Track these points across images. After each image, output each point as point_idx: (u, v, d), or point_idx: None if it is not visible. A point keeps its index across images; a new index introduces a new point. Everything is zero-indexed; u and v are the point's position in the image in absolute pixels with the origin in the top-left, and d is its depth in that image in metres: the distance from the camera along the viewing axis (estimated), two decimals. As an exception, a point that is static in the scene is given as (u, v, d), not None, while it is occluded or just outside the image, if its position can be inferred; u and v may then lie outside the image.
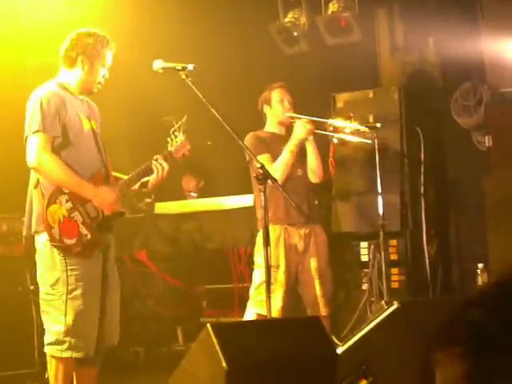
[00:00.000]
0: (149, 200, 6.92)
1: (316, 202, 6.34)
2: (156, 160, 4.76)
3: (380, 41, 7.63)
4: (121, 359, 7.13)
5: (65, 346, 4.48)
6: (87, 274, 4.53)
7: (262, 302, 5.53)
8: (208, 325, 3.32)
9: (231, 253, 7.35)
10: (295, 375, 3.46)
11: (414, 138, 7.06)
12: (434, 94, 7.40)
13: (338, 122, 5.97)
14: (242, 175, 5.99)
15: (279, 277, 5.62)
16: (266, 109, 6.03)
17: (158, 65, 4.67)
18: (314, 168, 5.92)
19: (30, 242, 6.84)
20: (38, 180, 4.61)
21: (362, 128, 6.01)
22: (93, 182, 4.64)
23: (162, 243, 7.55)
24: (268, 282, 4.56)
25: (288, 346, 3.53)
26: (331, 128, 5.95)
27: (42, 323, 6.53)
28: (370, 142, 6.13)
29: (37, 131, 4.51)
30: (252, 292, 5.77)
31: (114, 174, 4.87)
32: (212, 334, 3.28)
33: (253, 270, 5.90)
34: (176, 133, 4.88)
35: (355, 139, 6.03)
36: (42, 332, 6.53)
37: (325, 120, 5.89)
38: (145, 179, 4.81)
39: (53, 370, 4.57)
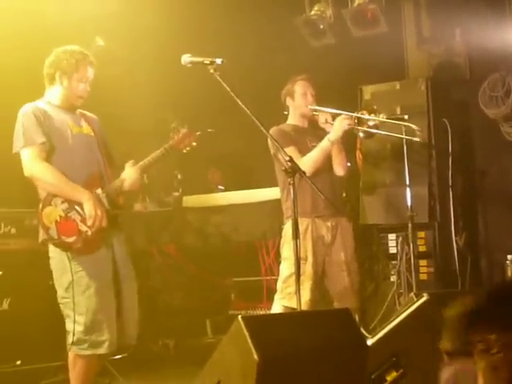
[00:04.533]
0: (176, 194, 6.94)
1: (344, 195, 6.34)
2: (128, 170, 4.90)
3: (407, 32, 7.60)
4: (150, 351, 7.18)
5: (86, 345, 4.62)
6: (97, 272, 4.65)
7: (291, 294, 5.54)
8: (239, 317, 3.34)
9: (259, 245, 7.37)
10: (326, 367, 3.47)
11: (442, 130, 7.03)
12: (461, 85, 7.37)
13: (364, 115, 5.93)
14: (269, 168, 6.00)
15: (307, 269, 5.61)
16: (289, 101, 6.02)
17: (187, 59, 4.69)
18: (338, 161, 5.91)
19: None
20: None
21: (389, 121, 5.98)
22: (89, 182, 4.78)
23: (190, 236, 7.58)
24: (297, 275, 4.57)
25: (319, 338, 3.54)
26: (356, 121, 5.91)
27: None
28: (399, 135, 6.11)
29: (23, 146, 4.70)
30: (280, 285, 5.77)
31: None
32: (243, 325, 3.29)
33: (280, 262, 5.90)
34: (179, 127, 5.02)
35: (382, 133, 5.99)
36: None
37: (350, 113, 5.85)
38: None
39: (76, 369, 4.70)
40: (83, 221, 4.68)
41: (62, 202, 4.68)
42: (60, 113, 4.86)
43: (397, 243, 6.90)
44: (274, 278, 6.09)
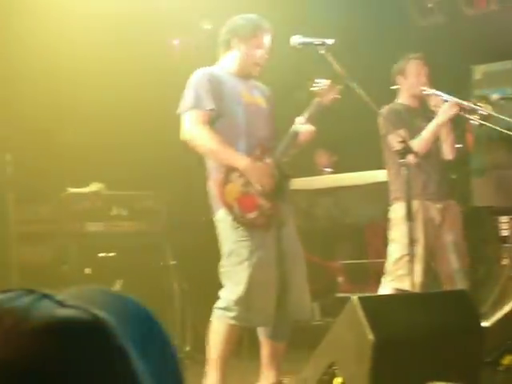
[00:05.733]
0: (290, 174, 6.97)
1: (453, 177, 6.24)
2: (300, 123, 4.76)
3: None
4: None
5: (232, 314, 4.53)
6: (260, 245, 4.56)
7: (402, 276, 5.47)
8: (354, 297, 3.34)
9: (367, 228, 7.33)
10: (441, 348, 3.44)
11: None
12: None
13: (475, 105, 5.77)
14: (377, 149, 5.94)
15: (419, 251, 5.54)
16: (400, 80, 5.87)
17: (297, 40, 4.67)
18: (447, 144, 5.81)
19: (170, 219, 7.08)
20: (207, 168, 4.74)
21: (497, 115, 5.80)
22: (255, 152, 4.68)
23: (297, 219, 7.56)
24: (411, 257, 4.53)
25: (434, 319, 3.51)
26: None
27: (183, 297, 6.73)
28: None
29: (189, 108, 4.62)
30: (389, 267, 5.73)
31: None
32: (358, 306, 3.29)
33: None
34: (318, 79, 4.84)
35: (491, 125, 5.83)
36: (183, 306, 6.74)
37: (463, 102, 5.70)
38: None
39: (216, 332, 4.61)
40: (260, 194, 4.60)
41: (239, 177, 4.59)
42: (234, 80, 4.77)
43: (509, 226, 6.75)
44: (381, 260, 6.03)
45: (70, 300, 0.76)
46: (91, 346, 0.74)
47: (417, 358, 3.40)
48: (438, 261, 5.76)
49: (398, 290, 5.55)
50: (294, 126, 4.76)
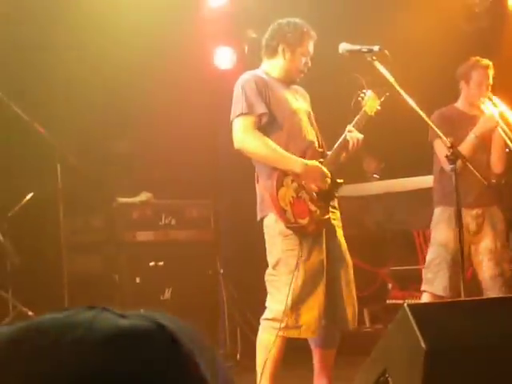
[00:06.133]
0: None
1: (502, 182, 6.16)
2: (350, 132, 4.72)
3: None
4: (306, 340, 7.22)
5: (280, 325, 4.46)
6: (309, 255, 4.50)
7: (430, 279, 5.59)
8: (405, 304, 3.31)
9: (417, 234, 7.28)
10: (497, 357, 3.38)
11: None
12: None
13: None
14: (425, 155, 5.91)
15: (447, 255, 5.51)
16: (463, 85, 5.77)
17: (345, 47, 4.67)
18: (494, 159, 5.74)
19: (218, 227, 7.11)
20: (256, 174, 4.69)
21: None
22: (306, 157, 4.63)
23: (346, 225, 7.56)
24: (462, 263, 4.50)
25: (488, 327, 3.46)
26: None
27: (232, 306, 6.74)
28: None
29: (240, 114, 4.55)
30: (423, 271, 5.75)
31: None
32: (409, 313, 3.26)
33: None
34: (364, 90, 4.80)
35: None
36: (232, 314, 6.76)
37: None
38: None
39: (263, 344, 4.55)
40: (311, 200, 4.55)
41: (292, 181, 4.53)
42: (279, 86, 4.71)
43: None
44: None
45: (130, 313, 0.78)
46: (157, 351, 0.75)
47: (471, 367, 3.35)
48: (478, 267, 5.73)
49: (426, 292, 5.63)
50: (344, 134, 4.73)
